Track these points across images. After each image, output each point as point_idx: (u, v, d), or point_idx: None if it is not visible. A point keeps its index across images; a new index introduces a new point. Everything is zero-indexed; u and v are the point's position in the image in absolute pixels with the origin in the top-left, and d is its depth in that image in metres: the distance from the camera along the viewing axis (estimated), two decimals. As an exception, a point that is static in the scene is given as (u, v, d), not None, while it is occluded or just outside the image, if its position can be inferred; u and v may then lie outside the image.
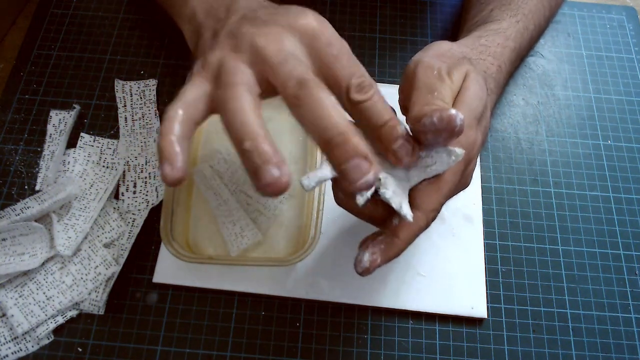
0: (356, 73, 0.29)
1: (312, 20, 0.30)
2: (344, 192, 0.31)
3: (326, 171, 0.29)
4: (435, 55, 0.34)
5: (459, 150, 0.29)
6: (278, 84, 0.28)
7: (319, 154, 0.41)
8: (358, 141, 0.26)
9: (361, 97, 0.28)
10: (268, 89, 0.29)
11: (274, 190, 0.26)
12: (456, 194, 0.34)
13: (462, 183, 0.34)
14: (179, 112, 0.28)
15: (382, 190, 0.29)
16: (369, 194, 0.29)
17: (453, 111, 0.27)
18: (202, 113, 0.29)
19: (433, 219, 0.31)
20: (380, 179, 0.30)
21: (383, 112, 0.28)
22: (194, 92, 0.29)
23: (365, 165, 0.26)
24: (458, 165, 0.31)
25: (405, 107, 0.33)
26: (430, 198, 0.31)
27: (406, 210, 0.29)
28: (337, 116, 0.26)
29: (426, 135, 0.28)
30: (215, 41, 0.30)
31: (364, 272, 0.30)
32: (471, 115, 0.32)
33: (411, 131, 0.30)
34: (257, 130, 0.26)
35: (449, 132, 0.27)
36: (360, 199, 0.29)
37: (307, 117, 0.27)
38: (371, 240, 0.31)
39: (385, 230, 0.31)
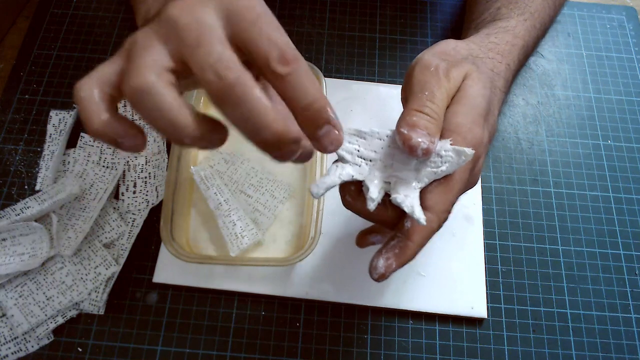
0: (278, 42, 0.25)
1: None
2: (351, 195, 0.31)
3: (334, 177, 0.29)
4: (438, 53, 0.34)
5: (469, 151, 0.29)
6: (196, 71, 0.24)
7: (319, 155, 0.41)
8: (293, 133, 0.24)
9: (282, 69, 0.24)
10: (186, 70, 0.25)
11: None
12: (465, 192, 0.34)
13: (470, 182, 0.33)
14: (94, 92, 0.25)
15: (393, 195, 0.29)
16: (379, 197, 0.29)
17: (413, 142, 0.28)
18: (116, 89, 0.25)
19: (445, 219, 0.31)
20: (389, 183, 0.30)
21: (309, 89, 0.25)
22: (106, 68, 0.25)
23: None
24: (467, 164, 0.31)
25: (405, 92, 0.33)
26: (441, 199, 0.30)
27: (419, 214, 0.28)
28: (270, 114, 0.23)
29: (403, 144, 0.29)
30: (152, 20, 0.27)
31: (380, 278, 0.29)
32: (474, 113, 0.31)
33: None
34: (174, 111, 0.23)
35: (411, 154, 0.28)
36: (371, 204, 0.29)
37: (233, 117, 0.24)
38: (385, 246, 0.30)
39: (397, 234, 0.30)
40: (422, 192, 0.31)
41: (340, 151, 0.30)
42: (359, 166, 0.30)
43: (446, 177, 0.30)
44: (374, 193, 0.29)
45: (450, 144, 0.30)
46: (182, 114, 0.24)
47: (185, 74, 0.25)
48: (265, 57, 0.24)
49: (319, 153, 0.41)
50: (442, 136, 0.30)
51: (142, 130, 0.25)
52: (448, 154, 0.29)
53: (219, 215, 0.41)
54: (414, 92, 0.30)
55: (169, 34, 0.25)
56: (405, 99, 0.32)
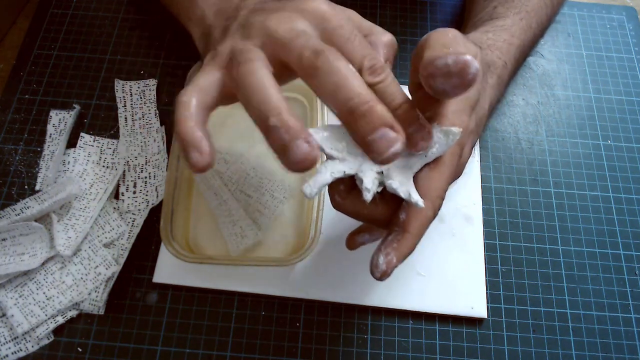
0: (368, 55, 0.28)
1: (321, 3, 0.29)
2: (341, 195, 0.31)
3: (326, 175, 0.29)
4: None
5: (456, 129, 0.29)
6: (293, 58, 0.27)
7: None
8: (382, 109, 0.25)
9: (374, 79, 0.27)
10: (281, 71, 0.28)
11: (305, 165, 0.25)
12: (454, 180, 0.34)
13: (457, 170, 0.33)
14: (193, 99, 0.28)
15: (388, 182, 0.29)
16: (374, 187, 0.29)
17: (469, 57, 0.25)
18: (215, 99, 0.29)
19: (439, 206, 0.31)
20: (382, 172, 0.29)
21: (397, 94, 0.28)
22: (206, 78, 0.29)
23: (392, 135, 0.25)
24: (455, 148, 0.31)
25: (415, 74, 0.31)
26: (433, 185, 0.30)
27: (416, 197, 0.28)
28: (359, 85, 0.25)
29: (435, 80, 0.26)
30: (225, 34, 0.30)
31: (383, 276, 0.29)
32: (464, 101, 0.32)
33: (421, 78, 0.28)
34: (280, 104, 0.26)
35: (461, 78, 0.25)
36: (367, 194, 0.28)
37: (326, 86, 0.26)
38: (383, 242, 0.30)
39: (392, 228, 0.30)
40: (414, 180, 0.30)
41: (328, 149, 0.29)
42: (348, 161, 0.30)
43: (436, 163, 0.30)
44: (369, 183, 0.29)
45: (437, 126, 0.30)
46: (282, 100, 0.26)
47: (281, 77, 0.28)
48: (359, 69, 0.27)
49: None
50: (431, 119, 0.30)
51: (209, 151, 0.27)
52: (437, 135, 0.29)
53: (219, 215, 0.41)
54: (437, 48, 0.28)
55: (266, 42, 0.28)
56: (416, 62, 0.30)
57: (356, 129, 0.26)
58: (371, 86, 0.27)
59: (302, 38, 0.27)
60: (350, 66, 0.26)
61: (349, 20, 0.29)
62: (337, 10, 0.29)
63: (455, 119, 0.30)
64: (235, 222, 0.41)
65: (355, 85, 0.25)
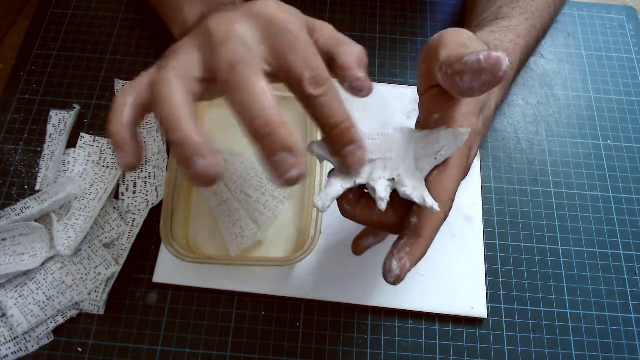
0: (311, 65, 0.26)
1: (271, 5, 0.28)
2: (350, 203, 0.31)
3: (337, 187, 0.28)
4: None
5: (464, 130, 0.29)
6: (214, 67, 0.26)
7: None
8: (284, 133, 0.24)
9: (314, 91, 0.26)
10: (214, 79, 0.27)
11: (204, 181, 0.25)
12: (461, 180, 0.33)
13: (465, 172, 0.33)
14: (129, 99, 0.28)
15: (401, 189, 0.28)
16: (387, 195, 0.29)
17: (501, 54, 0.25)
18: (148, 99, 0.28)
19: (450, 208, 0.30)
20: (394, 179, 0.29)
21: (336, 111, 0.27)
22: (144, 78, 0.28)
23: (290, 160, 0.24)
24: (463, 149, 0.30)
25: (426, 75, 0.31)
26: (444, 187, 0.29)
27: (431, 202, 0.28)
28: (266, 104, 0.24)
29: (463, 78, 0.26)
30: (185, 33, 0.29)
31: (396, 281, 0.29)
32: (475, 103, 0.31)
33: (443, 77, 0.28)
34: (182, 120, 0.25)
35: (492, 74, 0.25)
36: (382, 204, 0.28)
37: (235, 104, 0.25)
38: (395, 246, 0.30)
39: (404, 233, 0.30)
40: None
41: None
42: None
43: (445, 165, 0.30)
44: (382, 192, 0.29)
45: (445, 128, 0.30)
46: (186, 115, 0.25)
47: (208, 83, 0.27)
48: (299, 78, 0.26)
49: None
50: (439, 122, 0.30)
51: (137, 154, 0.27)
52: (445, 137, 0.29)
53: (219, 215, 0.41)
54: (455, 47, 0.28)
55: (204, 44, 0.27)
56: (430, 61, 0.30)
57: (260, 149, 0.25)
58: (310, 99, 0.26)
59: (229, 46, 0.26)
60: (262, 83, 0.25)
61: (297, 23, 0.28)
62: (286, 14, 0.28)
63: (464, 121, 0.30)
64: (235, 222, 0.41)
65: (261, 105, 0.25)
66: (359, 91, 0.30)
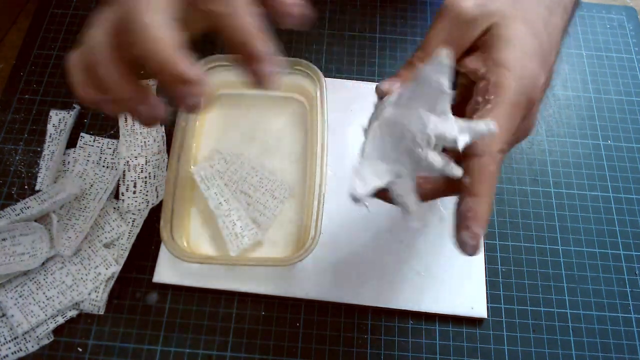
0: None
1: None
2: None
3: (375, 180, 0.27)
4: None
5: (487, 127, 0.27)
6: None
7: (319, 152, 0.41)
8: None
9: (213, 7, 0.24)
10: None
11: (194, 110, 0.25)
12: (522, 139, 0.31)
13: (523, 129, 0.30)
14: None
15: (394, 194, 0.28)
16: (416, 207, 0.28)
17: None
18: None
19: (501, 160, 0.28)
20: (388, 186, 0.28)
21: (244, 27, 0.25)
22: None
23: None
24: (519, 98, 0.28)
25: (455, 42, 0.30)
26: (489, 139, 0.27)
27: (454, 168, 0.27)
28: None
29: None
30: None
31: (474, 250, 0.27)
32: (531, 40, 0.29)
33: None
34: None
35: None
36: (414, 223, 0.28)
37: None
38: (458, 217, 0.27)
39: (462, 197, 0.27)
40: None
41: (383, 184, 0.28)
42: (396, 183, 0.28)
43: (494, 114, 0.27)
44: (413, 205, 0.28)
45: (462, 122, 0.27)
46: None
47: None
48: None
49: (319, 152, 0.41)
50: (486, 74, 0.28)
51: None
52: (462, 125, 0.27)
53: (219, 215, 0.41)
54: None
55: None
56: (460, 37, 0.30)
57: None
58: (211, 15, 0.24)
59: None
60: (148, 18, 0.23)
61: None
62: None
63: (520, 69, 0.27)
64: (235, 222, 0.41)
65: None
66: (289, 15, 0.27)
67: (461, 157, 0.28)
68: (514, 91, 0.28)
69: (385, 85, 0.30)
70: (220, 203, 0.41)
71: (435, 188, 0.29)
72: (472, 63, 0.30)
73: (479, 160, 0.27)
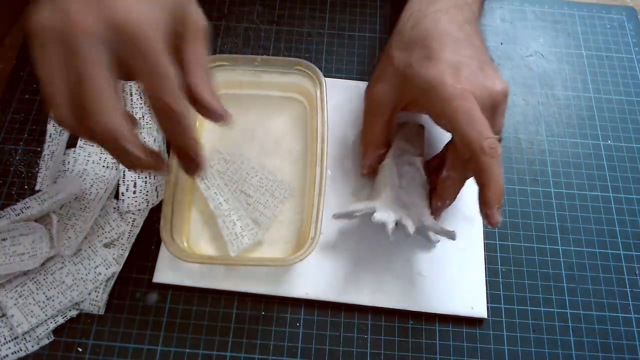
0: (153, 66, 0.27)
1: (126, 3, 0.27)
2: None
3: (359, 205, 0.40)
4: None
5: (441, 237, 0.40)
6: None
7: (319, 152, 0.41)
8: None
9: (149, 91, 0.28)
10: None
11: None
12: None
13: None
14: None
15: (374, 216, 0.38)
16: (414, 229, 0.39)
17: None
18: None
19: (491, 149, 0.34)
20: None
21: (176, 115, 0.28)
22: None
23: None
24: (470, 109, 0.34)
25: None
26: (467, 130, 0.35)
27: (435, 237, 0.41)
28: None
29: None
30: None
31: (493, 224, 0.35)
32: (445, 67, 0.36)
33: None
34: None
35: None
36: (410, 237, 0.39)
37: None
38: (478, 198, 0.35)
39: (480, 180, 0.35)
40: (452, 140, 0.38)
41: (392, 221, 0.38)
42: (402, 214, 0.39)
43: (453, 127, 0.35)
44: (412, 228, 0.38)
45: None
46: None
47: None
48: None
49: (319, 152, 0.41)
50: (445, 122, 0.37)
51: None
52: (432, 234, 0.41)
53: (219, 215, 0.41)
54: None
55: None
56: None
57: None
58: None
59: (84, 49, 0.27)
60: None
61: (150, 28, 0.27)
62: (142, 15, 0.27)
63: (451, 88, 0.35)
64: (235, 222, 0.41)
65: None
66: (215, 119, 0.32)
67: (460, 162, 0.38)
68: (450, 106, 0.35)
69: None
70: (220, 203, 0.41)
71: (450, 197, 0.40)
72: (418, 110, 0.42)
73: (475, 158, 0.34)
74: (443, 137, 0.46)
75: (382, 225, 0.38)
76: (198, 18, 0.31)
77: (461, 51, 0.37)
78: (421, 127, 0.45)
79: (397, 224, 0.39)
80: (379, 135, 0.41)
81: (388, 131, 0.41)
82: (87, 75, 0.26)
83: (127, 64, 0.27)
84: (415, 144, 0.43)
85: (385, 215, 0.38)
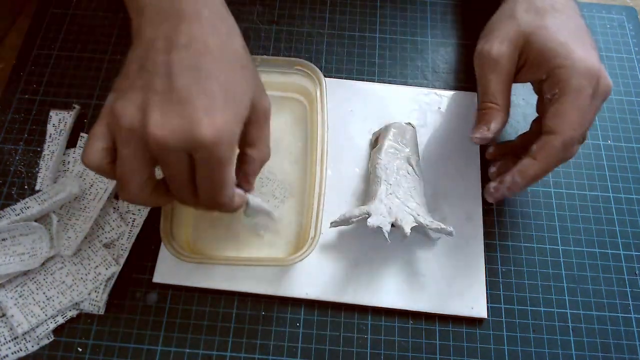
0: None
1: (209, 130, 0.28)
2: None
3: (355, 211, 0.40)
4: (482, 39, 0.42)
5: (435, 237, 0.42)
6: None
7: (319, 152, 0.41)
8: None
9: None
10: None
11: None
12: (590, 114, 0.37)
13: (591, 105, 0.37)
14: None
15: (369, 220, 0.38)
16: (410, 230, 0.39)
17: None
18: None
19: (571, 138, 0.35)
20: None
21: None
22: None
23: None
24: (581, 82, 0.36)
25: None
26: (562, 119, 0.36)
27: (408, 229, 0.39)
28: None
29: None
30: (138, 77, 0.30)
31: (492, 199, 0.39)
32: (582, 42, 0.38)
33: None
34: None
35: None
36: (406, 237, 0.39)
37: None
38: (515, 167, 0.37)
39: (522, 157, 0.37)
40: (545, 117, 0.37)
41: (388, 224, 0.39)
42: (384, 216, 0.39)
43: (560, 102, 0.36)
44: (408, 229, 0.38)
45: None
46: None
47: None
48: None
49: (319, 152, 0.41)
50: (549, 76, 0.38)
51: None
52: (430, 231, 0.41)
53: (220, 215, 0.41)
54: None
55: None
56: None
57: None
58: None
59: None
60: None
61: (224, 147, 0.29)
62: (221, 134, 0.29)
63: (569, 59, 0.37)
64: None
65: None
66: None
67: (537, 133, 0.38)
68: (573, 78, 0.35)
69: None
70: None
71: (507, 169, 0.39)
72: (530, 76, 0.40)
73: (548, 135, 0.36)
74: (435, 134, 0.47)
75: (378, 229, 0.38)
76: (266, 104, 0.33)
77: (588, 35, 0.39)
78: (412, 127, 0.45)
79: (394, 225, 0.39)
80: (499, 94, 0.39)
81: (508, 92, 0.40)
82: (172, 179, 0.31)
83: (196, 164, 0.29)
84: (407, 143, 0.43)
85: (380, 218, 0.38)
